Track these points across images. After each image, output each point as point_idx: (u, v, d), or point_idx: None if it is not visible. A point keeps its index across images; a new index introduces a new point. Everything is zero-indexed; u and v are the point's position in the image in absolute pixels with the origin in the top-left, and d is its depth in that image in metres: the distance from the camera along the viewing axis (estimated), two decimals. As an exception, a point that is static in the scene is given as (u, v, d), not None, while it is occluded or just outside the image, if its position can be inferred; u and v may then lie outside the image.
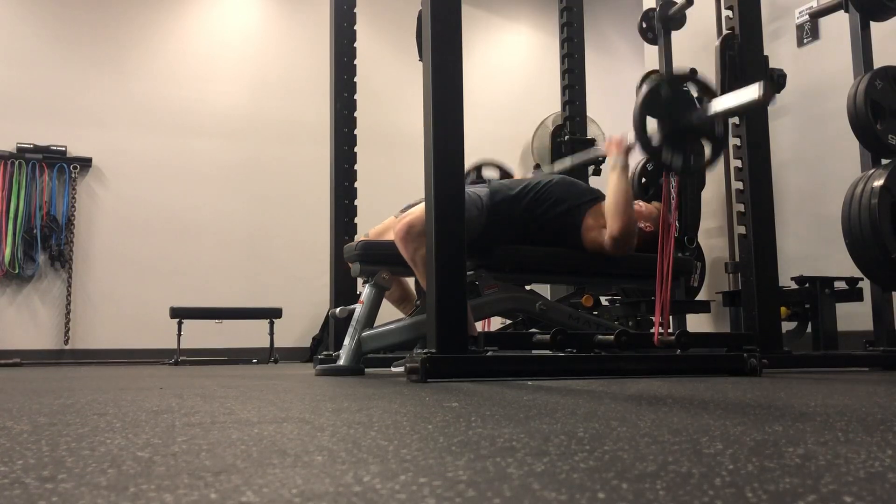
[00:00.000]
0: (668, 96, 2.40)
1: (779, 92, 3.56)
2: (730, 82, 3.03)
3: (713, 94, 2.45)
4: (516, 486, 0.57)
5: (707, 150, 2.47)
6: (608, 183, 2.82)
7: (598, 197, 2.94)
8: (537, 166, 3.91)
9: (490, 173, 3.83)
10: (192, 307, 5.84)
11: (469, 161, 3.42)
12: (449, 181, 2.32)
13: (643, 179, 3.89)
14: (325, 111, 3.68)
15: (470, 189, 2.89)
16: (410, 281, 3.13)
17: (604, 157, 4.07)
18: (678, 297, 3.59)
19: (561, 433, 0.89)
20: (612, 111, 5.59)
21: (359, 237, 3.22)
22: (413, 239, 2.60)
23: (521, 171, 3.62)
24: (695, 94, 2.45)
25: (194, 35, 7.03)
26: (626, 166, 2.83)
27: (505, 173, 3.82)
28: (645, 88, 2.43)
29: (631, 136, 2.70)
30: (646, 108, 2.38)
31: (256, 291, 6.59)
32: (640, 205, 3.01)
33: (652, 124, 2.41)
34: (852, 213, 2.93)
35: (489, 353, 2.37)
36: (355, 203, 3.61)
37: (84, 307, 6.38)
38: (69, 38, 6.65)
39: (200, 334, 5.92)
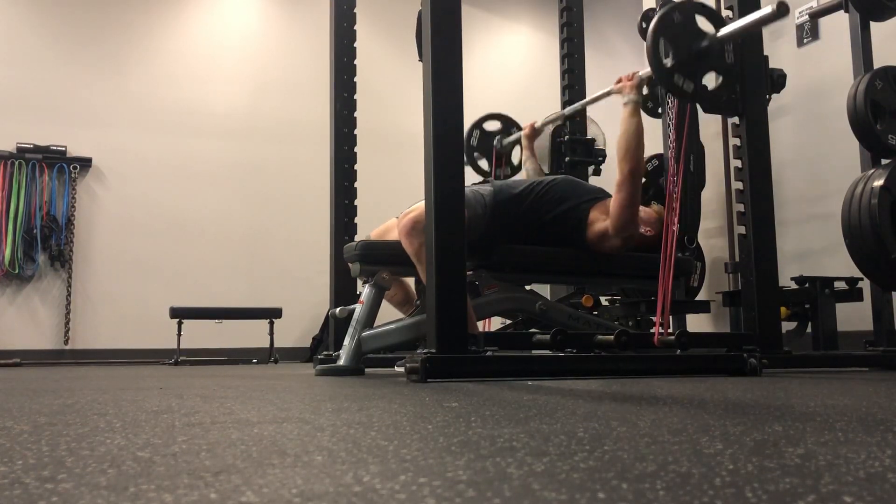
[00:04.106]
0: (680, 21, 2.42)
1: (778, 92, 3.56)
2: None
3: (722, 24, 2.47)
4: (516, 486, 0.57)
5: (715, 82, 2.50)
6: (620, 121, 2.81)
7: (602, 196, 2.93)
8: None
9: (493, 125, 3.86)
10: (192, 307, 5.84)
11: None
12: (449, 181, 2.32)
13: (643, 179, 3.88)
14: (325, 111, 3.68)
15: (473, 188, 2.89)
16: (411, 281, 3.13)
17: (603, 154, 4.07)
18: (678, 297, 3.58)
19: (561, 433, 0.89)
20: (613, 111, 5.58)
21: (359, 238, 3.22)
22: (418, 234, 2.60)
23: (526, 154, 3.63)
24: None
25: (194, 35, 7.02)
26: (638, 102, 2.81)
27: (508, 122, 3.84)
28: (659, 12, 2.44)
29: (642, 71, 2.71)
30: (659, 30, 2.39)
31: (256, 291, 6.59)
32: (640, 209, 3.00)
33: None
34: (852, 213, 2.93)
35: (489, 353, 2.37)
36: (355, 203, 3.61)
37: (84, 307, 6.38)
38: (69, 38, 6.65)
39: (200, 334, 5.92)
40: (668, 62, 2.40)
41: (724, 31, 2.44)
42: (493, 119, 3.89)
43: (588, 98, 3.64)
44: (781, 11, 2.28)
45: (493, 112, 3.89)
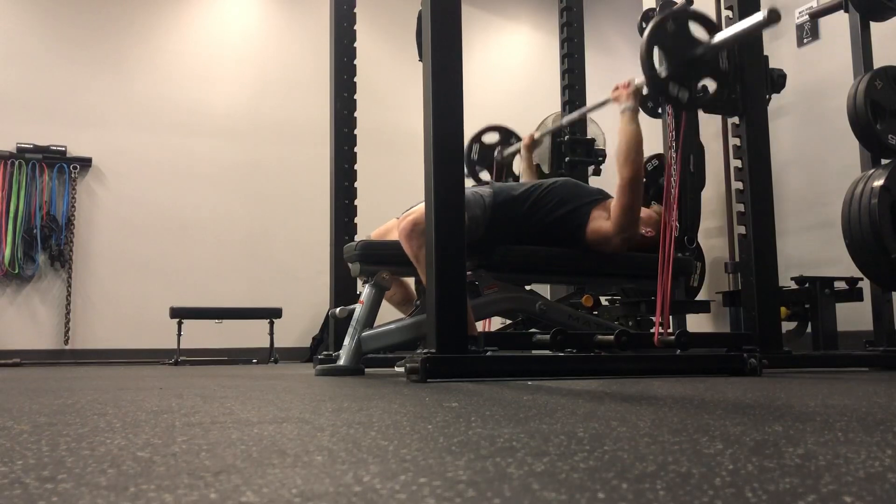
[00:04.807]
0: (674, 30, 2.42)
1: (778, 92, 3.55)
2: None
3: (717, 31, 2.48)
4: (516, 486, 0.57)
5: (712, 87, 2.50)
6: (619, 129, 2.81)
7: (603, 197, 2.93)
8: (537, 166, 3.92)
9: (492, 137, 3.87)
10: (192, 307, 5.84)
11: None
12: (449, 181, 2.32)
13: (643, 180, 3.88)
14: (325, 111, 3.68)
15: (474, 189, 2.89)
16: (411, 281, 3.13)
17: (603, 154, 4.07)
18: (678, 297, 3.58)
19: (561, 433, 0.89)
20: (613, 111, 5.59)
21: (359, 238, 3.22)
22: (417, 236, 2.60)
23: (524, 159, 3.64)
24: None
25: (194, 35, 7.02)
26: (635, 109, 2.82)
27: (507, 133, 3.85)
28: (653, 21, 2.45)
29: (638, 79, 2.72)
30: (653, 40, 2.40)
31: (256, 291, 6.59)
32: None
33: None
34: (852, 213, 2.93)
35: (489, 353, 2.37)
36: (355, 203, 3.61)
37: (84, 307, 6.38)
38: (69, 38, 6.65)
39: (200, 334, 5.92)
40: (662, 71, 2.41)
41: (717, 38, 2.44)
42: (492, 131, 3.89)
43: (586, 108, 3.66)
44: (772, 18, 2.29)
45: (492, 124, 3.87)
